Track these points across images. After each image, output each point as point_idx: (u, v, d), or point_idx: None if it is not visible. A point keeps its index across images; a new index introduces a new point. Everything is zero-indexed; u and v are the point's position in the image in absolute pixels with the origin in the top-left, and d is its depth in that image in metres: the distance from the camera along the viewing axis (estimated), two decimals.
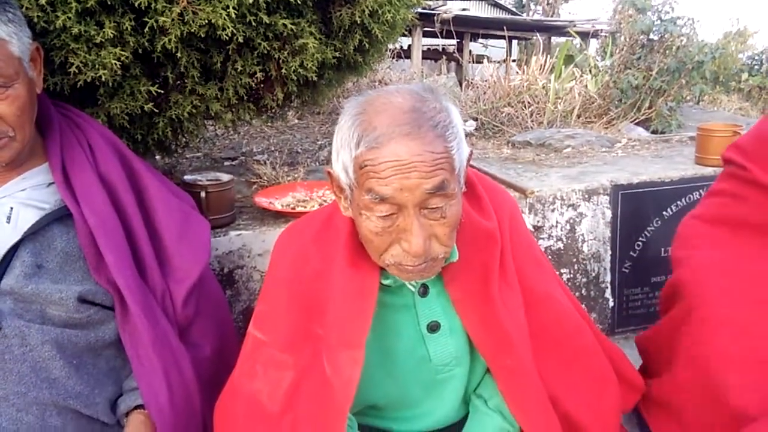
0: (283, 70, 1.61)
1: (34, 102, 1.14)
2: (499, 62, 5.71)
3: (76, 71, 1.36)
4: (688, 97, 3.70)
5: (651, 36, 3.51)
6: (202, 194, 1.62)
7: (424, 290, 1.15)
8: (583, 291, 2.11)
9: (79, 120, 1.28)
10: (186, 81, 1.57)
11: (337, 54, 1.71)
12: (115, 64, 1.36)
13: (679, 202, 2.15)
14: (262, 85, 1.70)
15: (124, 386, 1.21)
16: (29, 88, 1.12)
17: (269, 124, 3.24)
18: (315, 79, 1.69)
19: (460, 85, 5.42)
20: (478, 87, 4.07)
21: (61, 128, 1.23)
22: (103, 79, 1.38)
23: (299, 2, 1.52)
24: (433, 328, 1.16)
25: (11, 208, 1.14)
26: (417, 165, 0.90)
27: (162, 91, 1.53)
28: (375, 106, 0.95)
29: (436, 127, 0.92)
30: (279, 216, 1.76)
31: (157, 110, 1.56)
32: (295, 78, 1.64)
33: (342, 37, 1.72)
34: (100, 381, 1.17)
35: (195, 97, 1.60)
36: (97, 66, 1.36)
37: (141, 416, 1.16)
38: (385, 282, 1.10)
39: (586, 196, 2.06)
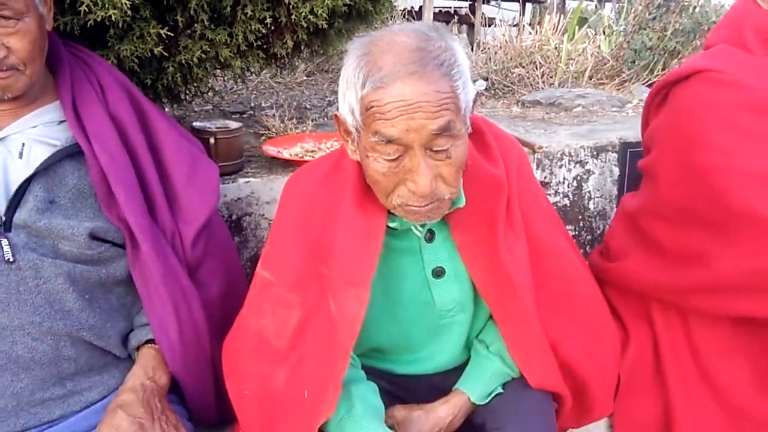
0: (293, 17, 1.60)
1: (45, 38, 1.14)
2: (511, 24, 5.60)
3: (86, 10, 1.36)
4: None
5: None
6: (211, 140, 1.62)
7: (430, 236, 1.16)
8: (587, 248, 2.12)
9: (90, 60, 1.27)
10: (196, 25, 1.56)
11: (347, 1, 1.69)
12: (125, 4, 1.35)
13: None
14: (272, 32, 1.68)
15: (135, 322, 1.24)
16: (40, 23, 1.11)
17: (278, 79, 3.21)
18: (325, 27, 1.67)
19: (472, 47, 5.33)
20: (489, 47, 4.00)
21: (72, 67, 1.22)
22: (113, 18, 1.37)
23: None
24: (438, 273, 1.17)
25: (23, 144, 1.14)
26: (422, 105, 0.90)
27: (172, 35, 1.52)
28: (380, 46, 0.94)
29: (442, 66, 0.92)
30: (287, 165, 1.77)
31: (166, 54, 1.55)
32: (305, 25, 1.63)
33: None
34: (111, 315, 1.19)
35: (204, 42, 1.59)
36: (107, 5, 1.35)
37: (152, 350, 1.19)
38: (392, 225, 1.11)
39: (595, 152, 2.05)
